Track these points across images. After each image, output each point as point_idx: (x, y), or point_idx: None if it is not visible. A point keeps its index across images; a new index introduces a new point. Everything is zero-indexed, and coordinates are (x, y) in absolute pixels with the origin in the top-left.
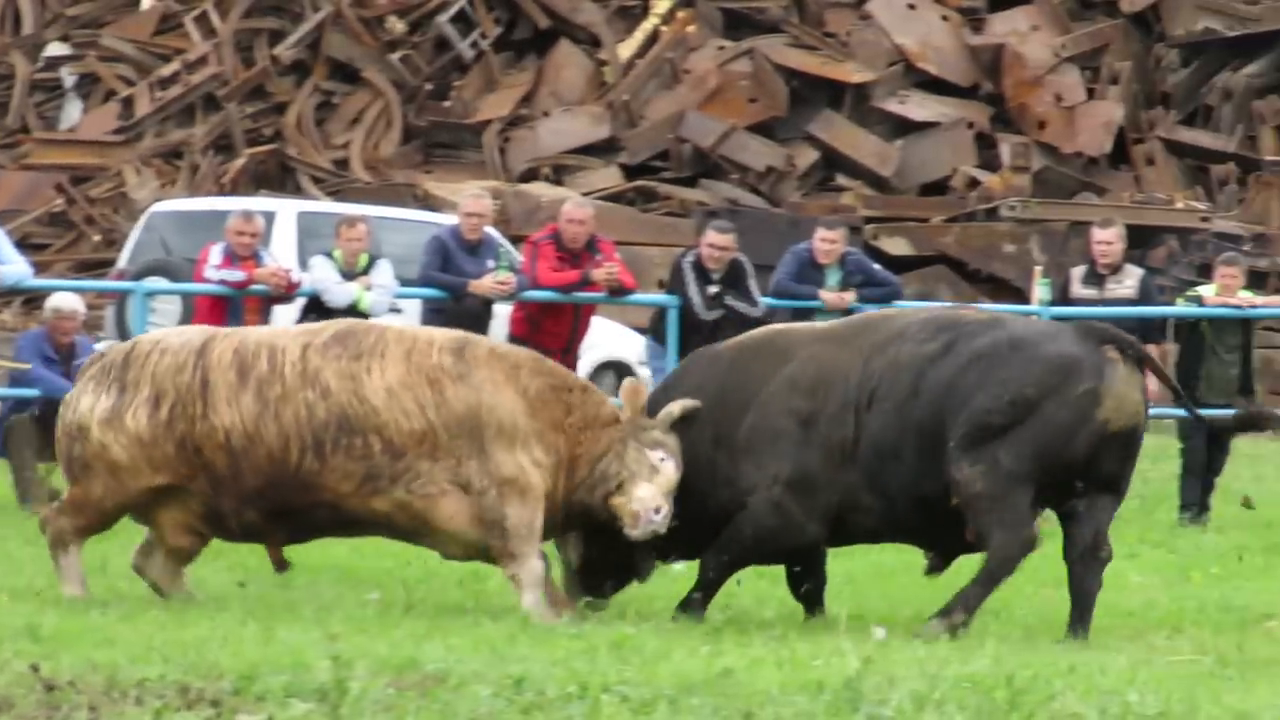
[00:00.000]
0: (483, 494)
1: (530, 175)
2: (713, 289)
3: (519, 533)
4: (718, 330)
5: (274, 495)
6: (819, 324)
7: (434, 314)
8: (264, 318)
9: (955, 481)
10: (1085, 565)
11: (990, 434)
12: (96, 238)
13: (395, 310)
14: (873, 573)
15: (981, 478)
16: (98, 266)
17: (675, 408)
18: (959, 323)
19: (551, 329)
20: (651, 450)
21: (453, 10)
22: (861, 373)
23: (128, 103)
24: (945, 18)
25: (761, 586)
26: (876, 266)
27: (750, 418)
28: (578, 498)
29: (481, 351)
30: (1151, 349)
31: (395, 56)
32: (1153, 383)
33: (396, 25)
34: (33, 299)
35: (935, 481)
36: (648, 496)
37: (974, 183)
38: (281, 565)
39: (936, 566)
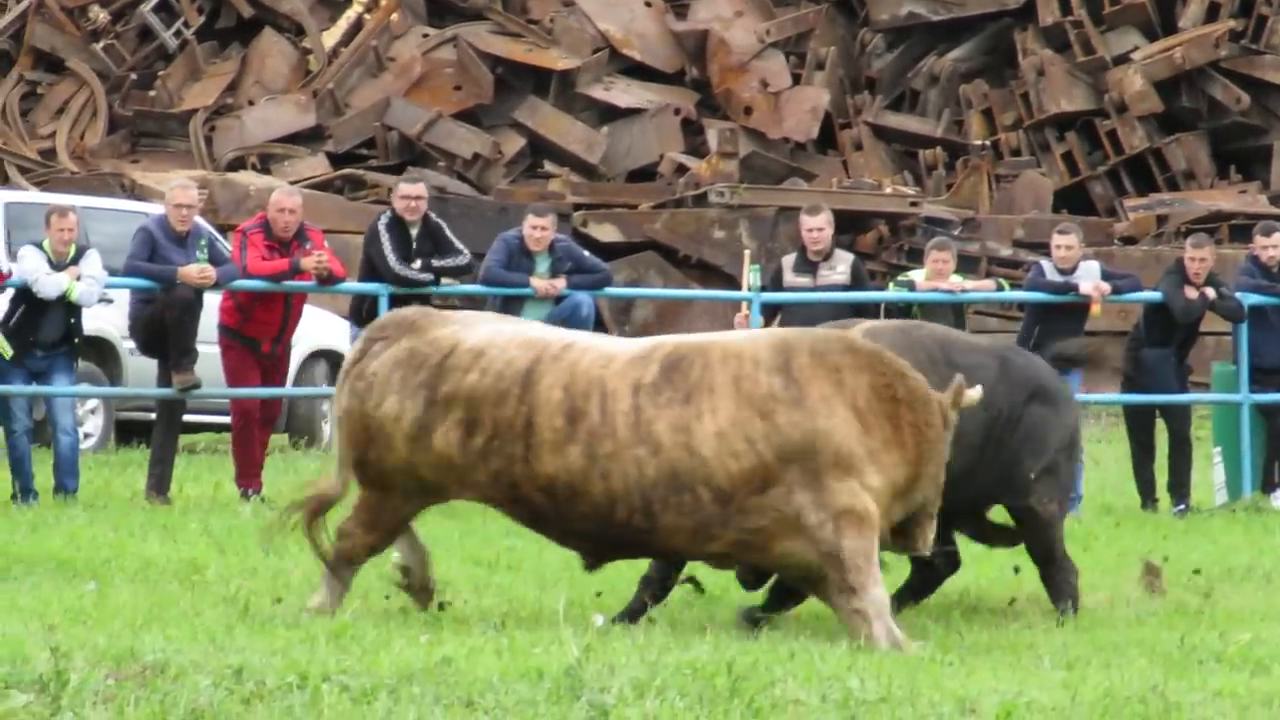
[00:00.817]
0: (819, 526)
1: (237, 164)
2: (417, 264)
3: (856, 564)
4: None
5: (603, 533)
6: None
7: (143, 303)
8: None
9: (1032, 510)
10: None
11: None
12: None
13: (106, 300)
14: None
15: (1059, 505)
16: None
17: (975, 394)
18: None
19: (262, 318)
20: None
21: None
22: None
23: None
24: (649, 4)
25: (479, 574)
26: (586, 253)
27: None
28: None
29: (804, 360)
30: None
31: (99, 46)
32: None
33: (100, 15)
34: None
35: None
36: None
37: (681, 169)
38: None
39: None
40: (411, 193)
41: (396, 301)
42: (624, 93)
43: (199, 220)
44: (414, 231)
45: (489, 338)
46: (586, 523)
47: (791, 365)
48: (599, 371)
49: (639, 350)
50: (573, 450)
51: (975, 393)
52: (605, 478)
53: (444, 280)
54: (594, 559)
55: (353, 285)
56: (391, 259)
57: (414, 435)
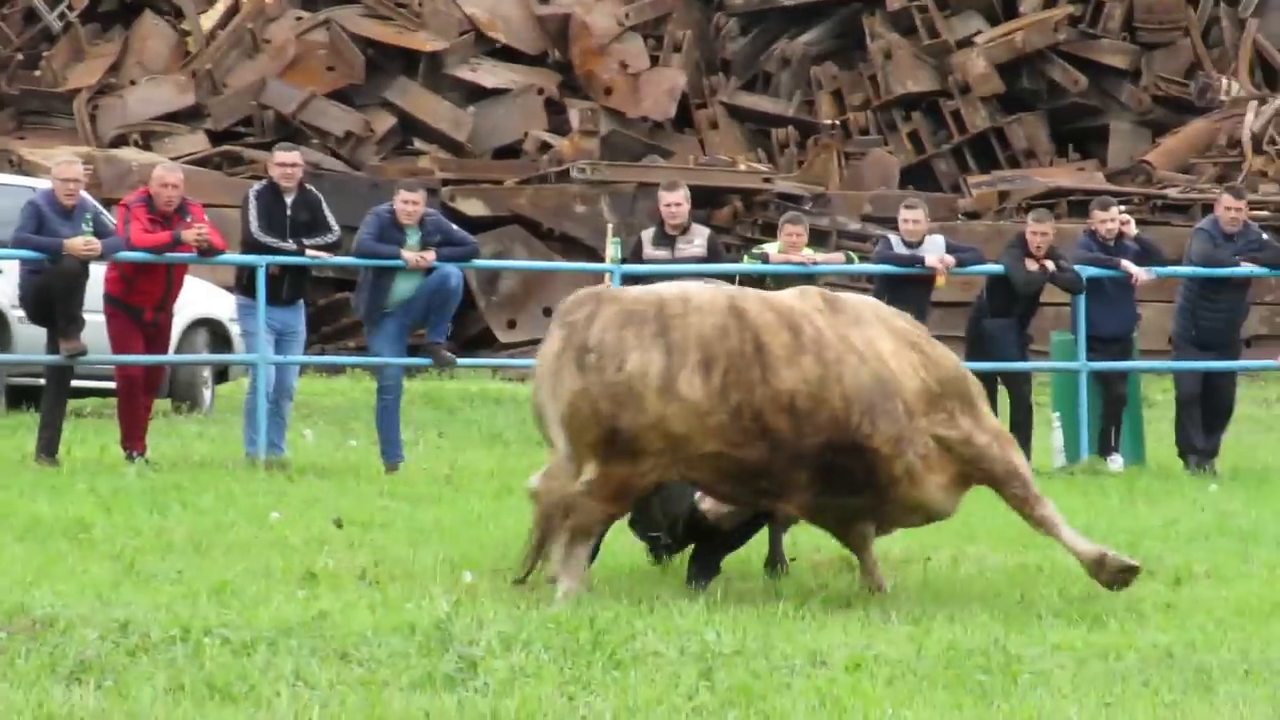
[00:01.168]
0: (988, 446)
1: (120, 141)
2: (291, 244)
3: (1029, 474)
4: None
5: (828, 455)
6: None
7: (32, 274)
8: None
9: None
10: None
11: None
12: None
13: None
14: (461, 520)
15: None
16: None
17: None
18: None
19: (145, 288)
20: None
21: None
22: None
23: None
24: None
25: (354, 533)
26: (454, 227)
27: None
28: None
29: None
30: None
31: None
32: None
33: None
34: None
35: None
36: None
37: (545, 146)
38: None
39: None
40: (287, 160)
41: (273, 273)
42: (490, 74)
43: (84, 194)
44: (289, 199)
45: (681, 287)
46: (820, 436)
47: (903, 315)
48: (784, 302)
49: (793, 290)
50: (806, 360)
51: None
52: (840, 381)
53: (312, 253)
54: (806, 496)
55: (232, 257)
56: (254, 224)
57: (662, 387)
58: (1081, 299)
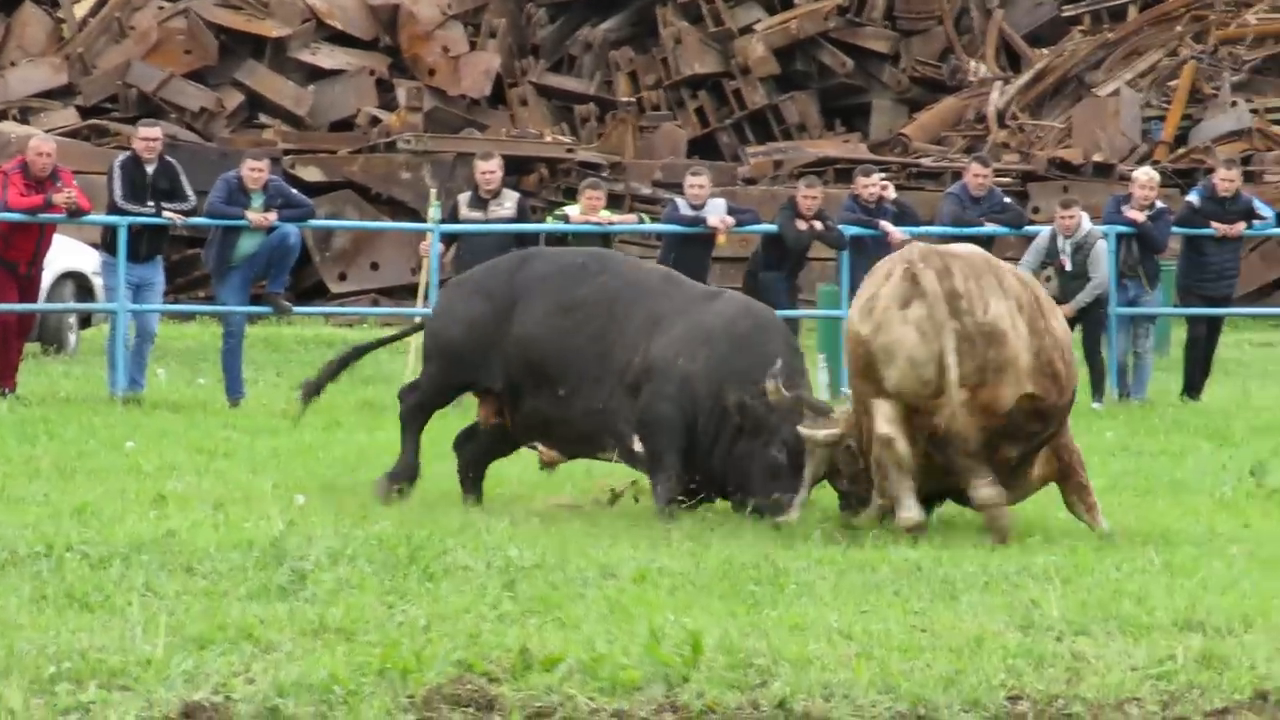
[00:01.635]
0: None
1: (1, 116)
2: (151, 205)
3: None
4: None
5: (1051, 426)
6: None
7: None
8: None
9: None
10: None
11: None
12: None
13: None
14: (295, 450)
15: None
16: None
17: None
18: None
19: (20, 245)
20: None
21: None
22: None
23: None
24: None
25: (200, 460)
26: (294, 191)
27: None
28: None
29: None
30: None
31: None
32: None
33: None
34: None
35: None
36: None
37: (375, 120)
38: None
39: None
40: (149, 135)
41: (133, 232)
42: (327, 57)
43: None
44: (150, 169)
45: (959, 247)
46: (1069, 395)
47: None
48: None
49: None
50: (1056, 320)
51: None
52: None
53: (168, 214)
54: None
55: (97, 218)
56: (118, 193)
57: (1013, 326)
58: (845, 255)
